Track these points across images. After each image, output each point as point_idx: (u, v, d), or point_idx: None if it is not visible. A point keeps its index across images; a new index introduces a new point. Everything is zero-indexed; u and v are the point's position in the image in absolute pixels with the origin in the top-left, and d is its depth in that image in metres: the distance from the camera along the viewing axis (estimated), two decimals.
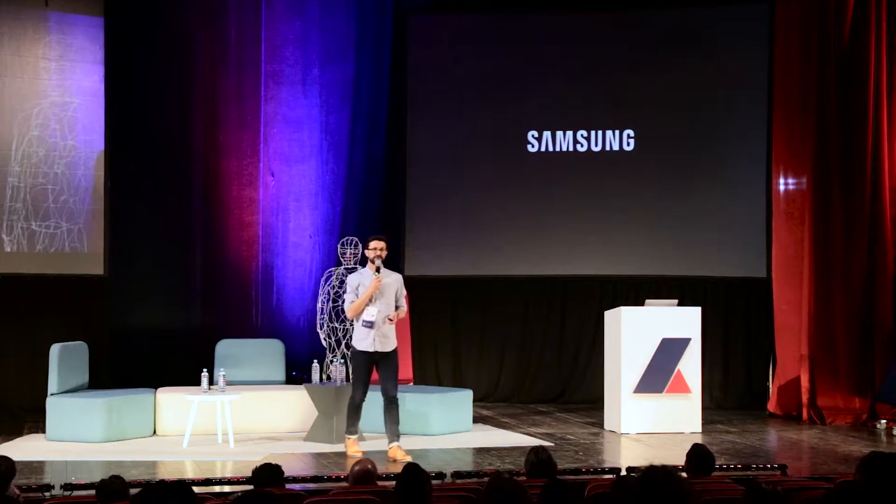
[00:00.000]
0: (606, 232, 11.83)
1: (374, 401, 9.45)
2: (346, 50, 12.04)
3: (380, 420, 9.45)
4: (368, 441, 8.98)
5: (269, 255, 11.73)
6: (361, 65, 12.09)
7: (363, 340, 8.25)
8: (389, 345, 8.31)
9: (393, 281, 8.35)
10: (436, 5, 12.46)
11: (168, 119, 11.51)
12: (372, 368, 8.36)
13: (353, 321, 8.52)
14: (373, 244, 8.32)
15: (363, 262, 10.35)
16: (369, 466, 5.15)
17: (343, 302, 9.02)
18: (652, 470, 3.62)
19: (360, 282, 8.29)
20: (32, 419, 9.72)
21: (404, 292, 8.49)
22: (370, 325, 8.18)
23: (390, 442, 8.24)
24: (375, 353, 8.24)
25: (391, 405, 8.31)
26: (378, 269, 8.23)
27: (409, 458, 7.89)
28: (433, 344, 12.07)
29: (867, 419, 10.41)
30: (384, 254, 8.31)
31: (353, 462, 7.59)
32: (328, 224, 11.92)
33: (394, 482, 4.52)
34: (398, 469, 6.99)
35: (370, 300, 8.20)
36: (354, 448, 8.32)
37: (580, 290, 12.02)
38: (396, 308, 8.33)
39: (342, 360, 9.60)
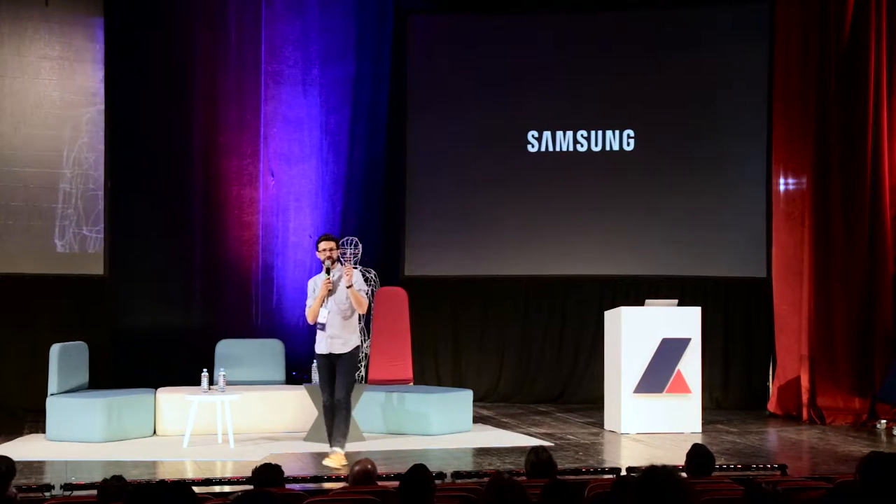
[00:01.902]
0: (606, 232, 11.83)
1: (373, 400, 9.47)
2: (346, 50, 12.04)
3: (379, 420, 9.49)
4: (368, 441, 8.98)
5: (269, 255, 11.73)
6: (361, 65, 12.09)
7: (319, 343, 8.04)
8: (346, 346, 8.00)
9: (338, 277, 7.99)
10: (436, 5, 12.46)
11: (168, 119, 11.51)
12: (333, 370, 8.05)
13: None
14: (322, 245, 8.00)
15: (370, 261, 10.37)
16: (369, 466, 5.15)
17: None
18: (652, 470, 3.62)
19: (316, 285, 8.07)
20: (32, 419, 9.72)
21: (364, 286, 8.13)
22: (323, 326, 7.96)
23: (332, 446, 7.89)
24: (331, 354, 7.99)
25: (338, 408, 7.96)
26: (328, 270, 7.93)
27: (342, 470, 7.35)
28: (433, 344, 12.07)
29: (867, 419, 10.40)
30: (335, 254, 7.99)
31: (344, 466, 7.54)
32: (328, 224, 11.91)
33: (395, 482, 4.51)
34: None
35: (323, 302, 7.96)
36: (342, 461, 7.72)
37: (580, 290, 12.02)
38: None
39: None
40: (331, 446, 7.92)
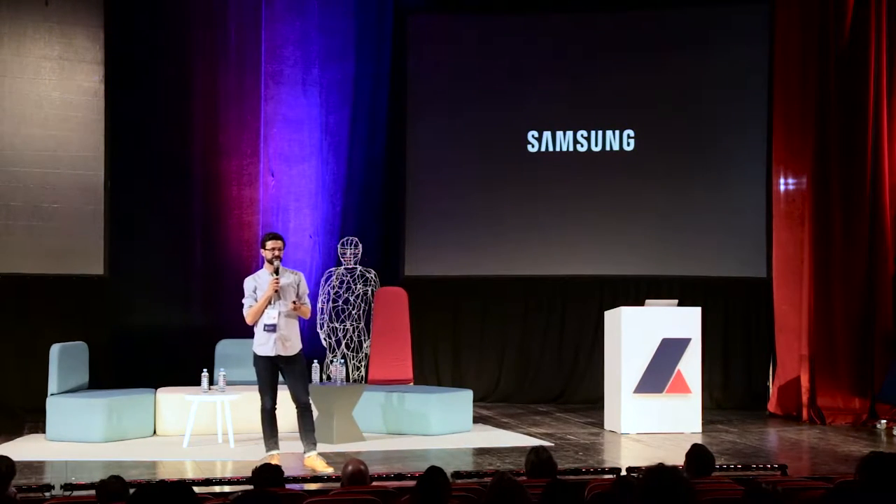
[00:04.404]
0: (606, 232, 11.83)
1: (373, 400, 9.48)
2: (346, 50, 12.04)
3: (379, 420, 9.49)
4: (368, 441, 8.98)
5: None
6: (361, 65, 12.09)
7: (263, 345, 7.82)
8: (292, 348, 7.84)
9: (292, 281, 7.86)
10: (436, 5, 12.46)
11: (168, 119, 11.51)
12: (276, 373, 7.90)
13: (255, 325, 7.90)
14: (270, 244, 7.80)
15: (362, 261, 10.37)
16: (361, 467, 5.15)
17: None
18: (656, 469, 3.61)
19: (257, 285, 7.85)
20: (32, 419, 9.72)
21: (307, 289, 8.01)
22: (272, 328, 7.75)
23: (306, 451, 7.84)
24: (277, 357, 7.80)
25: (305, 412, 7.85)
26: (276, 270, 7.77)
27: (329, 469, 7.58)
28: (433, 344, 12.07)
29: (867, 419, 10.41)
30: (281, 253, 7.85)
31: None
32: (328, 224, 11.92)
33: (394, 482, 4.51)
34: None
35: (270, 303, 7.77)
36: (321, 462, 7.77)
37: (580, 290, 12.02)
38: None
39: (342, 361, 9.60)
40: (305, 452, 7.83)
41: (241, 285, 8.01)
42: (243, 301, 7.91)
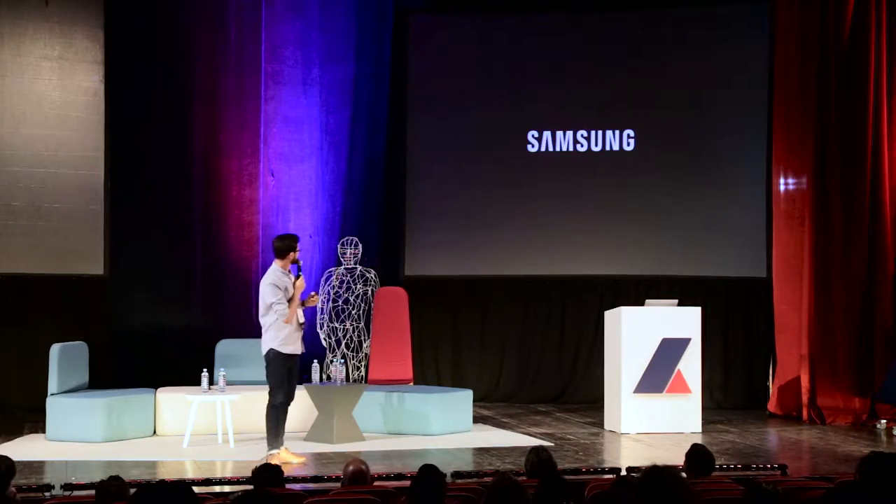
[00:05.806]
0: (606, 232, 11.82)
1: (373, 400, 9.48)
2: (346, 50, 12.05)
3: (379, 420, 9.49)
4: (369, 441, 8.98)
5: (269, 255, 11.66)
6: (361, 65, 12.09)
7: (292, 344, 7.92)
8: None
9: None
10: (436, 5, 12.46)
11: (168, 119, 11.51)
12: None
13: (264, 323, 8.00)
14: (297, 245, 8.04)
15: (362, 261, 10.36)
16: (363, 467, 5.15)
17: (277, 306, 8.14)
18: (654, 470, 3.61)
19: (286, 285, 7.92)
20: (32, 419, 9.72)
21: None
22: (302, 326, 7.97)
23: (282, 444, 7.98)
24: (299, 355, 8.04)
25: (286, 408, 8.05)
26: (300, 269, 7.97)
27: (302, 459, 7.87)
28: (433, 344, 12.06)
29: (867, 419, 10.41)
30: None
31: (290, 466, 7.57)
32: (328, 224, 11.92)
33: (393, 482, 4.52)
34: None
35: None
36: (291, 455, 7.95)
37: (580, 290, 12.02)
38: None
39: (342, 361, 9.60)
40: (278, 446, 7.94)
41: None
42: (274, 301, 7.86)
